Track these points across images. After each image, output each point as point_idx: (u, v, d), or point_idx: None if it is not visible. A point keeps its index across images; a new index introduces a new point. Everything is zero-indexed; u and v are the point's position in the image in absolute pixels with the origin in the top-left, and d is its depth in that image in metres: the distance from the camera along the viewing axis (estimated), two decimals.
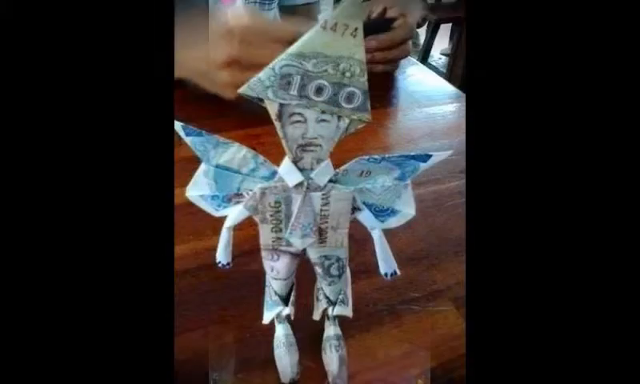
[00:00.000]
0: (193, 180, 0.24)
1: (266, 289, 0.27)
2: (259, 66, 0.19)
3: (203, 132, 0.22)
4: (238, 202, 0.24)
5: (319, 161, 0.21)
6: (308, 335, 0.28)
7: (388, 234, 0.24)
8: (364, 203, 0.24)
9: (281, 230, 0.24)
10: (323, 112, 0.20)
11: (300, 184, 0.22)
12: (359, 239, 0.29)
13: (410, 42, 0.65)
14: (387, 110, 0.59)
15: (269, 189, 0.22)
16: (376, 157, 0.22)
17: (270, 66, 0.19)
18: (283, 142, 0.21)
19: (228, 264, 0.26)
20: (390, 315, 0.31)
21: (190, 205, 0.24)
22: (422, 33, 2.52)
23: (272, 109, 0.20)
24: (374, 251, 0.25)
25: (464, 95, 0.63)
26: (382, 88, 0.64)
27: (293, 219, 0.23)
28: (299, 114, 0.20)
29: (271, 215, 0.23)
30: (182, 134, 0.22)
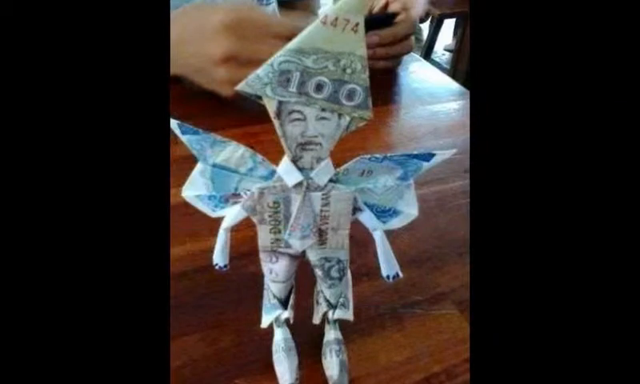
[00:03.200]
0: (189, 180, 0.24)
1: (265, 292, 0.27)
2: (257, 63, 0.19)
3: (200, 130, 0.22)
4: (235, 203, 0.24)
5: (319, 160, 0.21)
6: (308, 339, 0.28)
7: (390, 235, 0.24)
8: (365, 204, 0.23)
9: (280, 231, 0.23)
10: (323, 109, 0.19)
11: (299, 184, 0.22)
12: (360, 240, 0.29)
13: (413, 38, 0.65)
14: (389, 107, 0.59)
15: (267, 189, 0.22)
16: (378, 156, 0.22)
17: (269, 62, 0.19)
18: (282, 140, 0.20)
19: (225, 266, 0.26)
20: (392, 319, 0.31)
21: (186, 205, 0.24)
22: (425, 28, 2.52)
23: (270, 106, 0.19)
24: (376, 253, 0.24)
25: (468, 92, 0.63)
26: (383, 85, 0.63)
27: (292, 220, 0.23)
28: (299, 111, 0.20)
29: (270, 216, 0.23)
30: (177, 132, 0.22)
